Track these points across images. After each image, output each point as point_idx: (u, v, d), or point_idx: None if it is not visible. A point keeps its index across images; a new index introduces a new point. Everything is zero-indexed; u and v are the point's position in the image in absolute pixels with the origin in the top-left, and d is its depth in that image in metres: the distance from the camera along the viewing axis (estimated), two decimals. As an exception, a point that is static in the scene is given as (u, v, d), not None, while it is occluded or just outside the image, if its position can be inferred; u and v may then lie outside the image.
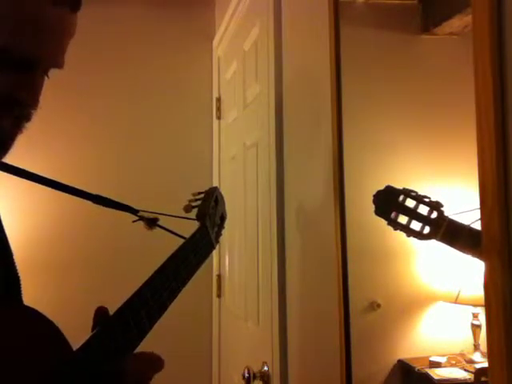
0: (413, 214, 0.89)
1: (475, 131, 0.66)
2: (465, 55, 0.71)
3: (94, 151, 2.40)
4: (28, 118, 0.65)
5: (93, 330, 0.67)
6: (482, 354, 0.90)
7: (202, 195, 1.10)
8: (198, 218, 1.02)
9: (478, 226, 0.76)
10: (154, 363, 0.67)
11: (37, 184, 0.84)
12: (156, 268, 0.78)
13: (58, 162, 2.23)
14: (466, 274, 0.91)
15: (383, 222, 0.92)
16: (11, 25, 0.59)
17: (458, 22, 0.90)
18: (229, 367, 2.19)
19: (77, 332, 0.65)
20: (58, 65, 0.66)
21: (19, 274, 0.71)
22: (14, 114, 0.63)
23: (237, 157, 2.07)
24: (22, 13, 0.60)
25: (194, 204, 1.06)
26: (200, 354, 2.40)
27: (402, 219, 0.90)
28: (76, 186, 0.88)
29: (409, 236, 0.90)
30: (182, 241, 0.91)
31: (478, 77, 0.66)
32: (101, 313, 0.68)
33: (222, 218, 1.16)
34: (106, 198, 0.91)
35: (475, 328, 0.91)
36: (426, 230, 0.88)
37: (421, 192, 0.91)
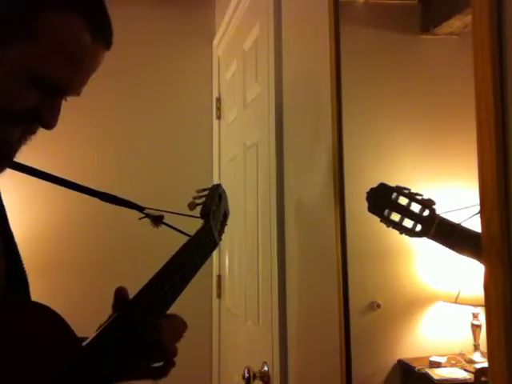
0: (405, 212, 0.90)
1: (475, 131, 0.66)
2: (465, 55, 0.71)
3: (93, 151, 2.40)
4: (35, 133, 0.69)
5: (113, 308, 0.73)
6: (482, 354, 0.89)
7: (206, 192, 1.10)
8: (202, 215, 1.02)
9: (468, 224, 0.77)
10: (183, 323, 0.76)
11: (38, 183, 0.85)
12: (161, 265, 0.78)
13: (59, 162, 2.23)
14: (466, 273, 0.91)
15: (382, 221, 0.93)
16: (56, 57, 0.63)
17: (458, 22, 0.90)
18: (229, 367, 2.19)
19: (82, 326, 0.66)
20: (78, 94, 0.70)
21: (26, 271, 0.72)
22: (30, 129, 0.67)
23: (237, 157, 2.07)
24: (64, 46, 0.64)
25: (198, 201, 1.06)
26: (200, 354, 2.40)
27: (395, 217, 0.91)
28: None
29: (401, 233, 0.90)
30: (185, 238, 0.91)
31: (478, 77, 0.66)
32: (120, 294, 0.73)
33: (225, 215, 1.16)
34: (113, 196, 0.92)
35: (475, 328, 0.91)
36: (418, 227, 0.89)
37: (421, 191, 0.91)
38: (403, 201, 0.91)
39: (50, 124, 0.68)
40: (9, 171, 0.72)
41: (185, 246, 0.87)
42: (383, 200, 0.93)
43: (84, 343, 0.64)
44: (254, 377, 1.51)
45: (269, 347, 1.52)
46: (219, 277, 2.36)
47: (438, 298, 0.98)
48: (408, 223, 0.89)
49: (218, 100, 2.44)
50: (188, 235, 0.92)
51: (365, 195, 0.97)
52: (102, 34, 0.67)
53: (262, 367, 1.53)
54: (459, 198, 0.88)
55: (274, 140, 1.52)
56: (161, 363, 0.73)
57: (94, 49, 0.67)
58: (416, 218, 0.89)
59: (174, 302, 0.77)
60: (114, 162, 2.42)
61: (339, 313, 1.09)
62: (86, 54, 0.66)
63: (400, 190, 0.92)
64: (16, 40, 0.61)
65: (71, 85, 0.67)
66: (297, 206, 1.43)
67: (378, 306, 1.04)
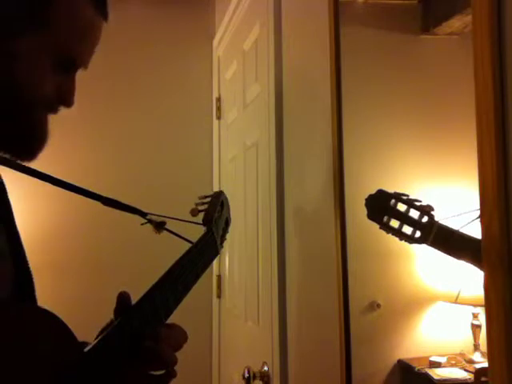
0: (404, 218, 0.89)
1: (475, 132, 0.66)
2: (465, 55, 0.71)
3: (93, 151, 2.40)
4: (57, 112, 0.71)
5: (115, 313, 0.72)
6: (482, 354, 0.89)
7: (209, 199, 1.10)
8: (205, 222, 1.02)
9: (467, 230, 0.77)
10: (184, 333, 0.75)
11: (40, 185, 0.85)
12: (162, 270, 0.78)
13: (58, 163, 2.23)
14: (466, 273, 0.91)
15: (381, 223, 0.92)
16: (71, 35, 0.67)
17: (458, 22, 0.90)
18: (229, 367, 2.19)
19: (81, 327, 0.66)
20: (87, 67, 0.73)
21: (32, 273, 0.72)
22: (54, 110, 0.70)
23: (237, 157, 2.07)
24: (77, 24, 0.67)
25: (200, 208, 1.06)
26: (200, 354, 2.40)
27: (394, 223, 0.90)
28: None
29: (401, 240, 0.89)
30: (187, 244, 0.91)
31: (478, 77, 0.66)
32: (123, 299, 0.72)
33: (227, 223, 1.16)
34: (116, 201, 0.91)
35: (475, 328, 0.91)
36: (417, 234, 0.88)
37: (420, 193, 0.91)
38: (402, 207, 0.90)
39: (70, 102, 0.70)
40: (9, 172, 0.72)
41: (187, 252, 0.86)
42: (382, 207, 0.92)
43: (86, 349, 0.63)
44: (254, 377, 1.51)
45: (269, 347, 1.52)
46: (219, 277, 2.36)
47: (437, 298, 0.98)
48: (407, 229, 0.89)
49: (218, 100, 2.44)
50: (190, 242, 0.92)
51: (365, 195, 0.96)
52: (101, 7, 0.71)
53: (262, 367, 1.53)
54: (459, 200, 0.88)
55: (274, 140, 1.52)
56: (161, 372, 0.73)
57: (97, 22, 0.70)
58: (415, 224, 0.88)
59: (176, 309, 0.77)
60: (113, 162, 2.42)
61: (339, 313, 1.09)
62: (93, 27, 0.70)
63: (398, 197, 0.91)
64: (31, 27, 0.63)
65: (84, 59, 0.70)
66: (297, 206, 1.43)
67: (378, 305, 1.04)
